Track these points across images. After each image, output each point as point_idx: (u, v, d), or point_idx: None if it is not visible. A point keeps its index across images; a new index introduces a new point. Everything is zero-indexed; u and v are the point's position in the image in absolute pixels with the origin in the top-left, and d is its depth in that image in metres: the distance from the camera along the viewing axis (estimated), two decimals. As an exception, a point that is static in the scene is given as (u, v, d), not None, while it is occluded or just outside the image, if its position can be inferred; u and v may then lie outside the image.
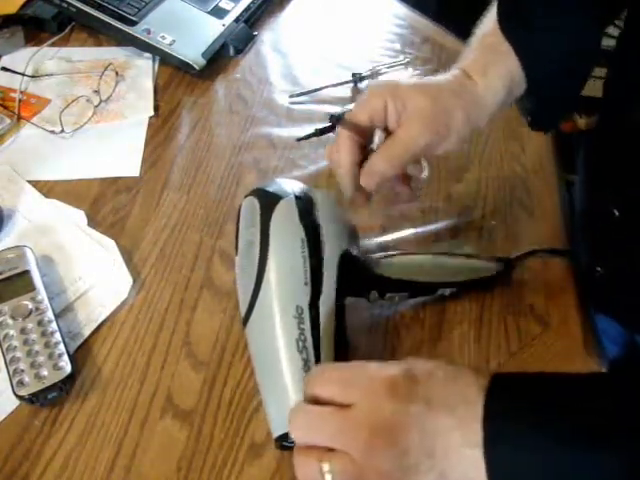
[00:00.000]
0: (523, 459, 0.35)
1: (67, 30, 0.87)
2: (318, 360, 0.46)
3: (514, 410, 0.36)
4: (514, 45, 0.54)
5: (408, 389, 0.38)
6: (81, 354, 0.54)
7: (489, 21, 0.57)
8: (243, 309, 0.50)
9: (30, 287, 0.55)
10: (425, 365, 0.39)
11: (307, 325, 0.46)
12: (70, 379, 0.51)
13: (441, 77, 0.54)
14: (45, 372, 0.50)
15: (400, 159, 0.52)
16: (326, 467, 0.37)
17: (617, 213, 0.60)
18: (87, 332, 0.55)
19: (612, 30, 1.36)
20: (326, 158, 0.56)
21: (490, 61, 0.54)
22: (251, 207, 0.51)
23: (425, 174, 0.67)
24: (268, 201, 0.50)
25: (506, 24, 0.55)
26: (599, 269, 0.64)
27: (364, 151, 0.53)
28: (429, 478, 0.36)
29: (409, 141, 0.51)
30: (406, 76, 0.56)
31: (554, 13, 0.55)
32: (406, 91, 0.52)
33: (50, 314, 0.53)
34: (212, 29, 0.86)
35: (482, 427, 0.35)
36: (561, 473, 0.35)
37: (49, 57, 0.83)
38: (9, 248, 0.58)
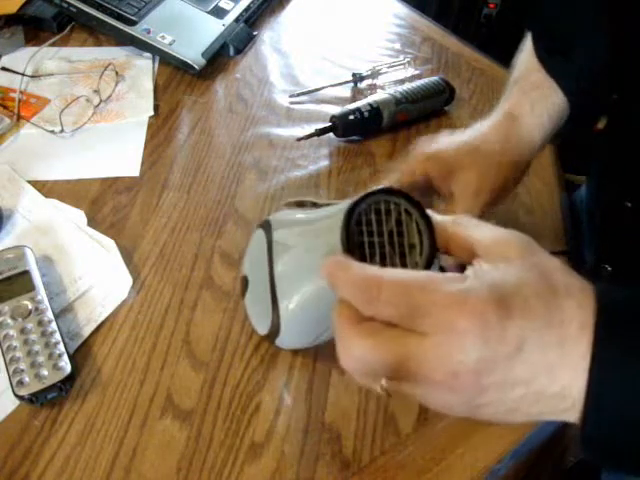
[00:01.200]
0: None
1: (67, 30, 0.87)
2: None
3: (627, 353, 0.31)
4: (556, 77, 0.56)
5: (500, 328, 0.30)
6: (81, 354, 0.54)
7: (527, 56, 0.60)
8: None
9: (30, 287, 0.55)
10: (520, 287, 0.31)
11: None
12: (70, 379, 0.51)
13: (486, 129, 0.56)
14: (45, 372, 0.50)
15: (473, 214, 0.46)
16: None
17: (630, 205, 0.60)
18: (87, 332, 0.55)
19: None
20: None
21: (535, 99, 0.57)
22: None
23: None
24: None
25: (544, 55, 0.58)
26: (607, 267, 0.64)
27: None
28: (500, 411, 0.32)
29: (465, 212, 0.51)
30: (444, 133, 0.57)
31: (584, 32, 0.58)
32: (450, 156, 0.54)
33: (50, 314, 0.53)
34: (212, 29, 0.86)
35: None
36: None
37: (49, 57, 0.83)
38: (9, 248, 0.58)
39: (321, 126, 0.74)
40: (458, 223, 0.37)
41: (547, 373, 0.32)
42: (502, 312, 0.31)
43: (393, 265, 0.38)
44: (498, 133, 0.55)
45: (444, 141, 0.56)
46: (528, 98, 0.57)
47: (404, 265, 0.39)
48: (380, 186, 0.41)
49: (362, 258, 0.38)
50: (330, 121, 0.74)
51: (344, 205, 0.40)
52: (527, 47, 0.62)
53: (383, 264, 0.38)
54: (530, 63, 0.60)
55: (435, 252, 0.38)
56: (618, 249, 0.64)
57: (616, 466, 0.39)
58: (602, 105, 0.61)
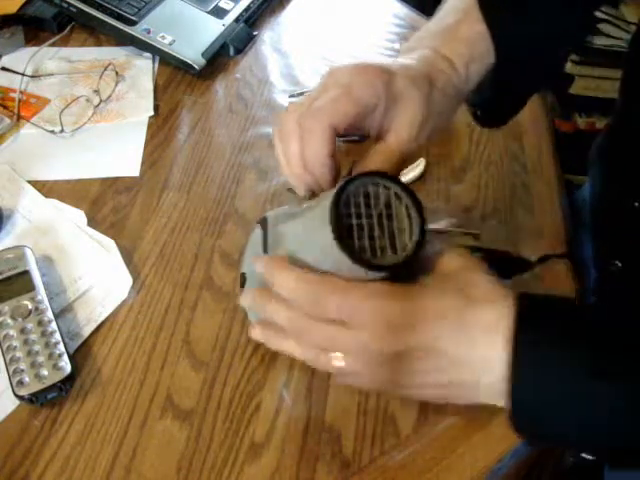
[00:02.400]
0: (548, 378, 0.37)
1: (67, 30, 0.87)
2: None
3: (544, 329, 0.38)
4: (491, 27, 0.50)
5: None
6: (81, 354, 0.54)
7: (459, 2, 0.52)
8: None
9: (30, 287, 0.55)
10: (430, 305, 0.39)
11: None
12: (70, 379, 0.51)
13: (430, 67, 0.48)
14: (45, 372, 0.50)
15: (395, 163, 0.45)
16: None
17: (637, 205, 0.59)
18: (87, 332, 0.55)
19: (619, 32, 1.36)
20: (279, 146, 0.46)
21: (474, 53, 0.50)
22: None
23: (420, 169, 0.67)
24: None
25: (486, 3, 0.51)
26: (617, 263, 0.63)
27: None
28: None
29: (405, 147, 0.46)
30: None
31: None
32: (401, 88, 0.44)
33: (50, 314, 0.53)
34: (212, 29, 0.86)
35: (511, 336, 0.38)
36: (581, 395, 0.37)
37: (49, 57, 0.83)
38: (9, 248, 0.58)
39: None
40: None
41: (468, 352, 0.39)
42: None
43: (382, 248, 0.38)
44: (443, 76, 0.48)
45: (390, 63, 0.47)
46: (468, 51, 0.50)
47: (393, 247, 0.38)
48: (370, 169, 0.40)
49: (350, 240, 0.38)
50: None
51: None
52: None
53: (372, 246, 0.38)
54: (465, 7, 0.52)
55: (424, 237, 0.38)
56: (628, 245, 0.64)
57: (544, 441, 0.45)
58: (527, 90, 0.57)
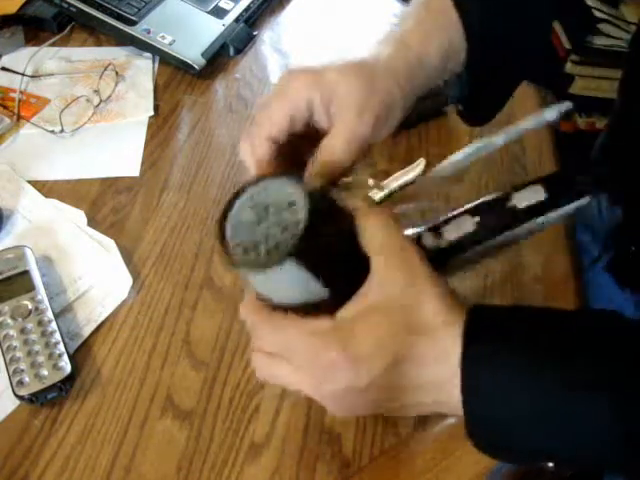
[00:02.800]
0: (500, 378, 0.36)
1: (67, 30, 0.87)
2: None
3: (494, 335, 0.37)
4: (461, 12, 0.49)
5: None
6: (81, 354, 0.54)
7: None
8: None
9: (30, 287, 0.55)
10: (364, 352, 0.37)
11: None
12: (70, 379, 0.51)
13: (375, 50, 0.47)
14: (45, 372, 0.50)
15: (348, 153, 0.43)
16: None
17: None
18: (87, 332, 0.55)
19: (619, 32, 1.36)
20: (242, 157, 0.47)
21: (431, 29, 0.48)
22: None
23: (420, 169, 0.68)
24: None
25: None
26: (633, 248, 0.63)
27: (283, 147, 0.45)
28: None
29: (350, 133, 0.43)
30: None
31: None
32: (334, 78, 0.43)
33: (50, 314, 0.53)
34: (212, 29, 0.86)
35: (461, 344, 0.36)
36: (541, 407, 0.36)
37: (49, 57, 0.83)
38: (9, 248, 0.58)
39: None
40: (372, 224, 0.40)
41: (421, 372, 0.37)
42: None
43: (277, 246, 0.38)
44: (391, 54, 0.47)
45: (325, 62, 0.46)
46: (423, 26, 0.49)
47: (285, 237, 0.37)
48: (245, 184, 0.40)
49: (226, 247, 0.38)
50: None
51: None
52: None
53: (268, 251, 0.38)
54: None
55: (316, 209, 0.36)
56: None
57: (502, 457, 0.42)
58: (505, 87, 0.57)
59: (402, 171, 0.71)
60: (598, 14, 1.43)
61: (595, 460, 0.39)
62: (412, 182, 0.70)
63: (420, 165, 0.71)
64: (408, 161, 0.72)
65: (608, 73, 1.45)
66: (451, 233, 0.46)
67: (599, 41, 1.44)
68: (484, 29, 0.50)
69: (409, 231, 0.65)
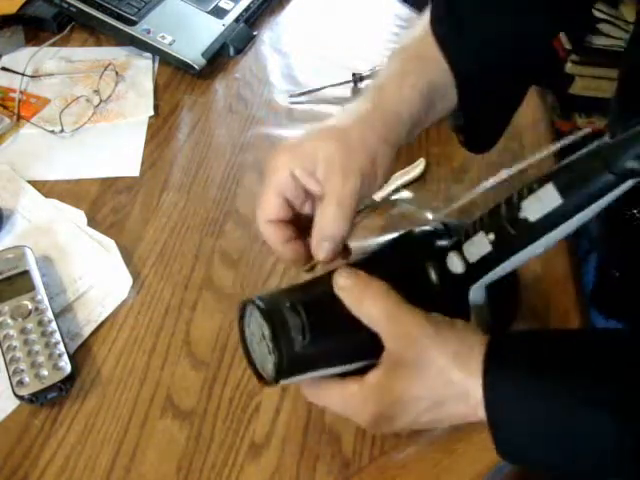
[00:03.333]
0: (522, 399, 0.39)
1: (67, 30, 0.87)
2: None
3: (513, 355, 0.41)
4: (444, 50, 0.49)
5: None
6: (81, 354, 0.54)
7: (418, 27, 0.52)
8: None
9: (30, 287, 0.55)
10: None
11: None
12: (70, 379, 0.51)
13: (348, 107, 0.48)
14: (45, 372, 0.50)
15: (342, 216, 0.44)
16: None
17: (636, 212, 0.58)
18: (87, 332, 0.55)
19: (619, 32, 1.35)
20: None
21: (408, 70, 0.49)
22: None
23: (420, 169, 0.67)
24: None
25: (437, 27, 0.50)
26: (616, 272, 0.63)
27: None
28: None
29: (340, 196, 0.43)
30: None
31: (488, 13, 0.51)
32: (312, 146, 0.44)
33: (50, 314, 0.53)
34: (212, 29, 0.86)
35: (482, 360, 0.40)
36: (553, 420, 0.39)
37: (49, 57, 0.83)
38: (9, 248, 0.58)
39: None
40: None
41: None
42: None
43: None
44: (365, 108, 0.47)
45: (300, 133, 0.47)
46: (401, 69, 0.49)
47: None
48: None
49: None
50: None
51: None
52: (418, 23, 0.53)
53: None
54: (417, 34, 0.52)
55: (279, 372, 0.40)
56: (624, 255, 0.64)
57: (534, 467, 0.47)
58: (501, 115, 0.56)
59: (402, 171, 0.71)
60: (598, 14, 1.43)
61: (608, 475, 0.41)
62: (412, 183, 0.70)
63: (420, 165, 0.71)
64: (408, 161, 0.72)
65: (608, 73, 1.45)
66: (472, 254, 0.42)
67: (599, 41, 1.44)
68: (473, 63, 0.50)
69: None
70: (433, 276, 0.44)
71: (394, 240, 0.48)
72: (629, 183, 0.36)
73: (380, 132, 0.45)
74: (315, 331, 0.41)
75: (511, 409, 0.40)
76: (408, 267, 0.45)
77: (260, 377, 0.43)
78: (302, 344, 0.40)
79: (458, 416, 0.42)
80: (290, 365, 0.40)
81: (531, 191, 0.39)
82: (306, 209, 0.47)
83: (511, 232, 0.40)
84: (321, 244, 0.44)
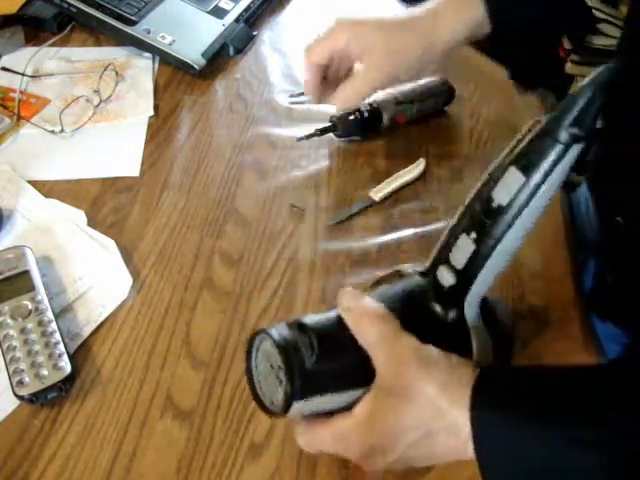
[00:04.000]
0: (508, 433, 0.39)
1: (67, 30, 0.87)
2: None
3: (500, 391, 0.41)
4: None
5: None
6: (81, 354, 0.54)
7: None
8: None
9: (30, 287, 0.55)
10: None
11: None
12: (70, 379, 0.51)
13: (410, 14, 0.64)
14: (45, 372, 0.50)
15: (362, 93, 0.65)
16: None
17: (621, 220, 0.59)
18: (87, 332, 0.55)
19: (619, 32, 1.35)
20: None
21: (458, 7, 0.63)
22: None
23: (420, 169, 0.68)
24: None
25: None
26: (609, 278, 0.63)
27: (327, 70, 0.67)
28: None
29: (367, 78, 0.63)
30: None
31: None
32: (368, 29, 0.62)
33: (50, 314, 0.53)
34: (212, 29, 0.86)
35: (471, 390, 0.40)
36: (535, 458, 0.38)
37: (49, 57, 0.83)
38: (9, 248, 0.58)
39: (321, 126, 0.74)
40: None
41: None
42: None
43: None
44: (420, 19, 0.63)
45: (369, 16, 0.65)
46: (453, 4, 0.63)
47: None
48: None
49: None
50: (330, 121, 0.74)
51: None
52: None
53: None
54: None
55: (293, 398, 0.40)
56: (619, 262, 0.64)
57: None
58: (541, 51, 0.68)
59: (402, 171, 0.71)
60: (598, 14, 1.43)
61: None
62: (412, 183, 0.70)
63: (420, 165, 0.71)
64: (408, 161, 0.72)
65: (608, 73, 1.45)
66: (459, 260, 0.44)
67: (599, 41, 1.44)
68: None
69: (409, 231, 0.64)
70: (429, 299, 0.46)
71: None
72: (575, 149, 0.40)
73: (421, 46, 0.62)
74: (323, 347, 0.41)
75: (499, 448, 0.39)
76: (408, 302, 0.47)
77: (268, 410, 0.43)
78: (311, 361, 0.41)
79: (449, 450, 0.42)
80: (302, 384, 0.40)
81: (497, 180, 0.42)
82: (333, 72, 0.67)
83: (488, 223, 0.42)
84: (341, 101, 0.65)
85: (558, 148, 0.39)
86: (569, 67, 1.49)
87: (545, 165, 0.40)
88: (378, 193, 0.68)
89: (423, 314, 0.46)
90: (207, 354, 0.55)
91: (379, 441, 0.42)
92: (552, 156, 0.40)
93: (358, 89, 0.64)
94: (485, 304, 0.47)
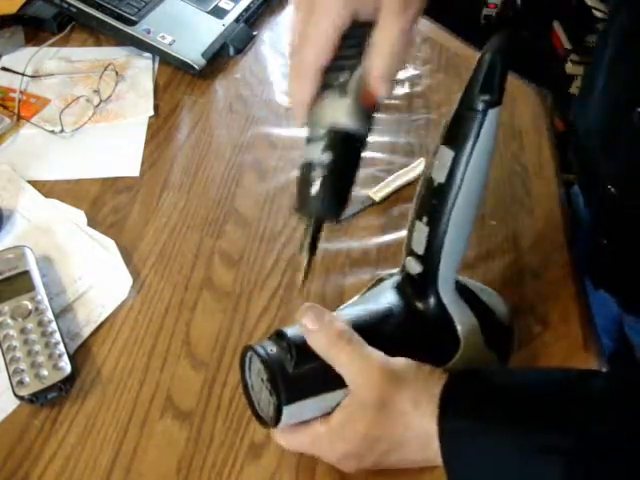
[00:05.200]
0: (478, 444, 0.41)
1: (67, 30, 0.87)
2: None
3: (467, 400, 0.42)
4: None
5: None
6: (81, 354, 0.54)
7: None
8: None
9: (30, 287, 0.55)
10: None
11: None
12: (70, 379, 0.51)
13: None
14: (45, 372, 0.50)
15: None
16: None
17: (605, 241, 0.63)
18: (87, 332, 0.55)
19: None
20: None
21: None
22: None
23: (421, 169, 0.68)
24: None
25: None
26: (604, 241, 0.64)
27: None
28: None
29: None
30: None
31: None
32: None
33: (50, 314, 0.53)
34: (212, 29, 0.86)
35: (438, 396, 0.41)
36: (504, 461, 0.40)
37: (49, 57, 0.83)
38: (9, 248, 0.58)
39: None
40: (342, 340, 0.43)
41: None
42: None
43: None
44: None
45: None
46: None
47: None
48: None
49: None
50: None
51: None
52: None
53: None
54: None
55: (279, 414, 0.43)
56: (611, 225, 0.64)
57: None
58: None
59: (402, 171, 0.71)
60: (597, 14, 1.43)
61: None
62: (412, 183, 0.70)
63: (420, 165, 0.71)
64: (408, 161, 0.72)
65: (608, 73, 1.45)
66: (419, 246, 0.47)
67: (599, 41, 1.45)
68: None
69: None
70: (409, 297, 0.49)
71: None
72: (492, 113, 0.41)
73: None
74: (300, 351, 0.43)
75: (467, 457, 0.41)
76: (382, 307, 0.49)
77: (265, 423, 0.45)
78: (291, 365, 0.43)
79: (423, 457, 0.44)
80: (286, 389, 0.42)
81: (432, 164, 0.44)
82: None
83: (435, 203, 0.44)
84: (383, 77, 0.41)
85: (477, 117, 0.42)
86: (569, 67, 1.49)
87: (469, 134, 0.42)
88: (378, 193, 0.68)
89: (406, 313, 0.48)
90: (207, 354, 0.55)
91: (351, 448, 0.44)
92: (473, 126, 0.42)
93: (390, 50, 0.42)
94: (464, 289, 0.49)
